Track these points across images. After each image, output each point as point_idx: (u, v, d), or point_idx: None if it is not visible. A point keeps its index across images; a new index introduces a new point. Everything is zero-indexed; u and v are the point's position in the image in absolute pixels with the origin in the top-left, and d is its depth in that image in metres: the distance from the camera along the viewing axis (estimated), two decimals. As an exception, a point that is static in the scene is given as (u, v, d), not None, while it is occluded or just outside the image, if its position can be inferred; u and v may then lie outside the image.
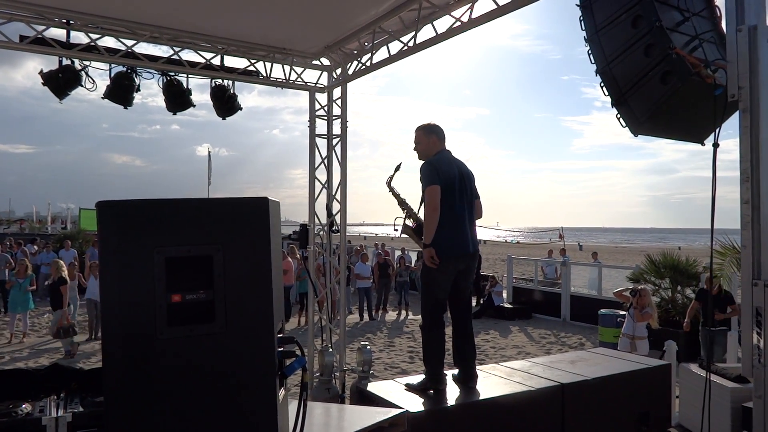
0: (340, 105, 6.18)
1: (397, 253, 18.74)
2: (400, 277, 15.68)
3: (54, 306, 9.70)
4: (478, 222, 4.16)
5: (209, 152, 30.87)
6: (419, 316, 13.89)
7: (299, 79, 6.09)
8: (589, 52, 3.53)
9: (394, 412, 3.29)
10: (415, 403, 3.71)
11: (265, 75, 5.86)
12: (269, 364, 2.00)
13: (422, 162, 3.96)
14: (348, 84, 6.07)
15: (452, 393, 3.97)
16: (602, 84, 3.51)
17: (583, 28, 3.60)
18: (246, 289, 1.97)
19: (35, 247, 17.11)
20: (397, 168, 4.36)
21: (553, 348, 11.01)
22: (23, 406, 2.81)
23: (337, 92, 6.26)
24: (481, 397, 3.92)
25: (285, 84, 5.96)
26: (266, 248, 2.00)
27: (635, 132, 3.41)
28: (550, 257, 17.82)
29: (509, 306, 14.83)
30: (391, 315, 14.99)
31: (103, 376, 1.89)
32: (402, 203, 4.32)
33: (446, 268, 3.92)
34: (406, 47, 5.05)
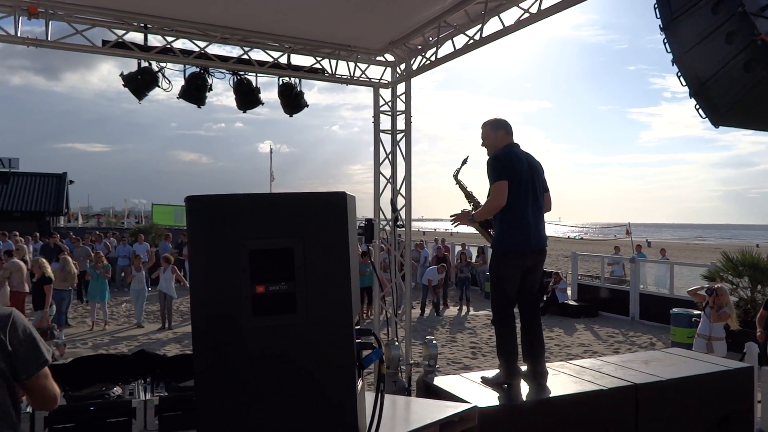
0: (404, 100, 6.21)
1: (458, 248, 18.62)
2: (462, 272, 15.55)
3: (36, 306, 9.17)
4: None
5: (271, 149, 31.73)
6: (480, 312, 13.73)
7: (363, 76, 6.17)
8: (665, 40, 3.37)
9: (465, 406, 3.28)
10: (483, 398, 3.69)
11: (330, 72, 5.97)
12: (348, 355, 2.04)
13: (489, 157, 3.94)
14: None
15: (522, 389, 3.94)
16: (679, 74, 3.35)
17: (658, 15, 3.44)
18: (325, 280, 2.01)
19: (114, 239, 18.07)
20: (464, 161, 4.35)
21: (622, 347, 10.67)
22: (114, 388, 2.97)
23: (400, 88, 6.29)
24: (551, 395, 3.85)
25: (349, 80, 6.05)
26: (345, 241, 2.04)
27: (716, 123, 3.25)
28: (617, 254, 17.23)
29: (574, 303, 14.47)
30: (452, 310, 14.92)
31: (194, 362, 1.98)
32: (469, 196, 4.31)
33: (514, 263, 3.90)
34: (471, 41, 5.00)
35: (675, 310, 9.84)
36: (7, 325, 1.79)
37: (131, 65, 5.23)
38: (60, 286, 10.24)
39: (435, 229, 68.26)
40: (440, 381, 4.29)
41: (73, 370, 3.09)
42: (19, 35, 4.58)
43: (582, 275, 16.45)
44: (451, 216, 4.05)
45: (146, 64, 5.17)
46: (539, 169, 4.02)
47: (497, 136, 3.99)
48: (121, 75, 5.12)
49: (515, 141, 4.03)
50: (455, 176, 4.37)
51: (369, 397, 2.30)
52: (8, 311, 1.83)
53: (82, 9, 4.81)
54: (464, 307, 14.98)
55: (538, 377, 4.02)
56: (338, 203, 2.04)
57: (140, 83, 5.09)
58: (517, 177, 3.81)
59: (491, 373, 4.10)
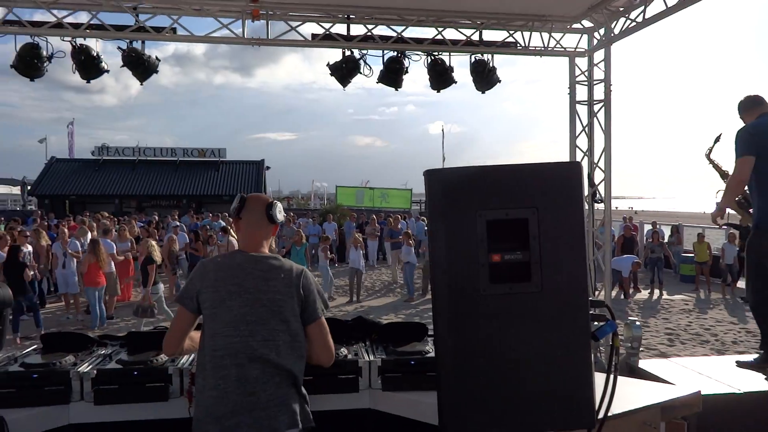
0: (602, 68, 5.88)
1: (647, 227, 17.22)
2: (653, 252, 14.36)
3: (144, 283, 9.65)
4: None
5: (442, 129, 32.07)
6: (676, 297, 12.58)
7: (558, 46, 5.96)
8: None
9: (687, 390, 3.10)
10: (699, 385, 3.42)
11: (523, 45, 5.87)
12: (583, 325, 2.04)
13: (738, 129, 3.67)
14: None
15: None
16: None
17: None
18: (560, 251, 2.02)
19: (310, 219, 19.79)
20: (717, 139, 4.11)
21: None
22: (342, 349, 3.28)
23: (598, 56, 5.96)
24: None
25: (543, 52, 5.89)
26: (579, 211, 2.03)
27: None
28: None
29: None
30: (642, 294, 13.90)
31: (434, 323, 2.12)
32: (724, 175, 4.06)
33: None
34: (691, -7, 4.51)
35: None
36: (301, 276, 2.31)
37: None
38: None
39: (616, 207, 63.50)
40: (646, 364, 4.09)
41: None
42: (245, 36, 5.23)
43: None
44: (712, 218, 3.93)
45: (349, 53, 5.56)
46: None
47: (748, 110, 3.77)
48: (328, 65, 5.57)
49: None
50: (707, 155, 4.16)
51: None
52: (302, 268, 2.37)
53: (296, 7, 5.32)
54: (656, 291, 13.86)
55: None
56: (574, 174, 2.03)
57: (345, 71, 5.50)
58: None
59: (748, 357, 3.82)
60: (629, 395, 3.08)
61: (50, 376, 2.79)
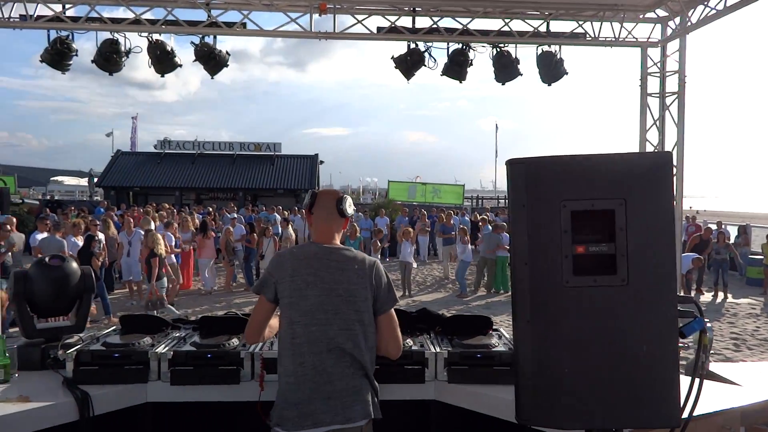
0: (677, 59, 5.65)
1: (712, 227, 16.49)
2: (718, 254, 13.77)
3: (149, 277, 9.52)
4: None
5: (496, 125, 31.59)
6: (742, 300, 12.12)
7: (629, 36, 5.76)
8: None
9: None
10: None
11: (592, 35, 5.71)
12: (670, 321, 1.97)
13: None
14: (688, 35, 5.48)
15: None
16: None
17: None
18: (648, 244, 1.95)
19: (361, 214, 19.92)
20: None
21: None
22: (407, 340, 3.29)
23: (671, 46, 5.73)
24: None
25: (614, 42, 5.71)
26: (669, 203, 1.96)
27: None
28: None
29: None
30: (706, 296, 13.37)
31: (513, 314, 2.10)
32: None
33: None
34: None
35: None
36: (373, 268, 2.37)
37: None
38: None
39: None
40: (716, 368, 3.91)
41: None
42: (312, 30, 5.29)
43: None
44: None
45: (414, 45, 5.54)
46: None
47: None
48: (392, 57, 5.56)
49: None
50: None
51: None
52: (374, 260, 2.42)
53: (362, 0, 5.35)
54: (720, 293, 13.29)
55: None
56: (663, 164, 1.96)
57: (409, 63, 5.49)
58: None
59: None
60: (707, 397, 2.96)
61: (130, 356, 2.91)
